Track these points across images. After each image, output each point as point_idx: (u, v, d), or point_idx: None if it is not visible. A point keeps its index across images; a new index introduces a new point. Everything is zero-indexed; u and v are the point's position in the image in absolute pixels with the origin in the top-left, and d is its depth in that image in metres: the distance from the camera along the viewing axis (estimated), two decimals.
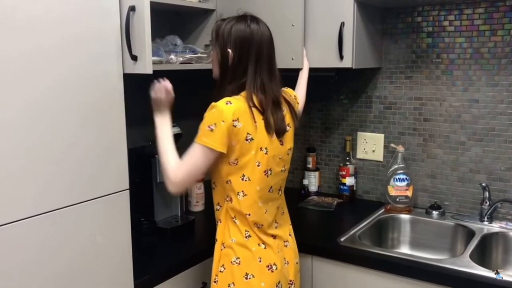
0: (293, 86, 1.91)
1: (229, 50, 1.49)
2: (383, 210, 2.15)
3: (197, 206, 2.21)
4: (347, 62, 1.93)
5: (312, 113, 2.44)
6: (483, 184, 1.98)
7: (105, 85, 1.37)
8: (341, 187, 2.32)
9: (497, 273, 1.52)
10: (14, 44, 1.14)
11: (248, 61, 1.48)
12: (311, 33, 1.98)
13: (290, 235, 1.64)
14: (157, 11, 1.61)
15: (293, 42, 1.97)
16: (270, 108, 1.48)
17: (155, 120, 1.54)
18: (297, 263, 1.65)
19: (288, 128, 1.56)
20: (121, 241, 1.46)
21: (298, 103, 1.75)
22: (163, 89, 1.53)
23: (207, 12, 2.14)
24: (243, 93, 1.48)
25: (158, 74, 1.62)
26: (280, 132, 1.52)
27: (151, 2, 1.45)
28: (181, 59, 1.89)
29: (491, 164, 2.02)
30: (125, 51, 1.43)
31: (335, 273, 1.77)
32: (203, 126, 1.42)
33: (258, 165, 1.48)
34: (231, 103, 1.42)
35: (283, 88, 1.64)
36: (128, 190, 1.47)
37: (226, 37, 1.49)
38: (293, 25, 1.96)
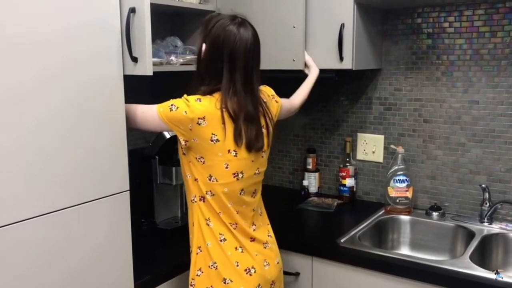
0: (294, 88, 1.92)
1: (204, 44, 1.49)
2: (383, 211, 2.15)
3: None
4: (347, 64, 1.94)
5: (312, 114, 2.44)
6: (483, 185, 1.98)
7: (106, 86, 1.37)
8: (341, 188, 2.32)
9: (497, 273, 1.52)
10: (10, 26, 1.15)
11: (223, 63, 1.44)
12: (311, 35, 1.99)
13: (269, 235, 1.61)
14: (157, 12, 1.61)
15: (294, 43, 1.97)
16: (241, 120, 1.44)
17: None
18: (278, 262, 1.61)
19: (262, 144, 1.51)
20: (122, 242, 1.46)
21: (277, 102, 1.67)
22: None
23: (207, 14, 2.14)
24: (216, 94, 1.45)
25: (158, 75, 1.62)
26: (251, 147, 1.47)
27: (151, 4, 1.45)
28: (181, 60, 1.90)
29: (491, 166, 2.02)
30: (125, 52, 1.43)
31: (335, 274, 1.77)
32: (167, 102, 1.43)
33: (227, 167, 1.46)
34: (201, 101, 1.43)
35: (260, 87, 1.57)
36: (128, 191, 1.47)
37: (207, 31, 1.48)
38: (294, 27, 1.96)
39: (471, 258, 1.66)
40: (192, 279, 1.51)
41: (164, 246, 1.82)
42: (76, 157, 1.31)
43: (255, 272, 1.50)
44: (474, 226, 1.94)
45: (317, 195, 2.42)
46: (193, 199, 1.50)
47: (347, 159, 2.31)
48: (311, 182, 2.43)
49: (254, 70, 1.48)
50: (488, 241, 1.87)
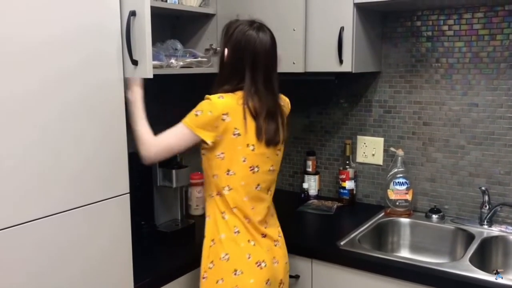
0: (293, 89, 1.91)
1: (226, 49, 1.55)
2: (382, 213, 2.16)
3: (197, 209, 2.21)
4: (347, 66, 1.94)
5: (312, 117, 2.45)
6: (483, 188, 1.98)
7: (106, 90, 1.38)
8: (341, 190, 2.32)
9: (497, 273, 1.52)
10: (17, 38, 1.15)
11: (245, 66, 1.52)
12: (311, 38, 1.99)
13: (280, 236, 1.65)
14: (157, 15, 1.62)
15: (294, 46, 1.98)
16: (263, 117, 1.51)
17: (128, 97, 1.52)
18: (286, 263, 1.66)
19: (279, 139, 1.58)
20: (122, 245, 1.46)
21: (289, 108, 1.75)
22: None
23: (208, 17, 2.15)
24: (238, 92, 1.52)
25: (158, 78, 1.62)
26: (270, 143, 1.55)
27: (151, 7, 1.45)
28: (181, 63, 1.90)
29: (491, 168, 2.02)
30: (125, 55, 1.44)
31: (335, 277, 1.77)
32: (192, 112, 1.49)
33: (244, 161, 1.52)
34: (223, 98, 1.49)
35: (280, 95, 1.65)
36: (128, 194, 1.47)
37: (228, 37, 1.56)
38: (294, 30, 1.97)
39: (470, 260, 1.66)
40: (205, 271, 1.54)
41: (164, 249, 1.82)
42: (76, 160, 1.31)
43: (265, 266, 1.54)
44: (474, 229, 1.94)
45: (317, 197, 2.42)
46: (211, 194, 1.56)
47: (347, 162, 2.31)
48: (311, 184, 2.43)
49: (273, 71, 1.57)
50: (487, 243, 1.87)
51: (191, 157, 2.33)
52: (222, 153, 1.51)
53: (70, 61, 1.27)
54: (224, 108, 1.47)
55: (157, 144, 1.51)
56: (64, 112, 1.27)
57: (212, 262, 1.53)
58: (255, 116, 1.51)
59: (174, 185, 1.89)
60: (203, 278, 1.54)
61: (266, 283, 1.54)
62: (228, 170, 1.52)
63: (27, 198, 1.21)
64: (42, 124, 1.22)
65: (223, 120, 1.47)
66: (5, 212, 1.16)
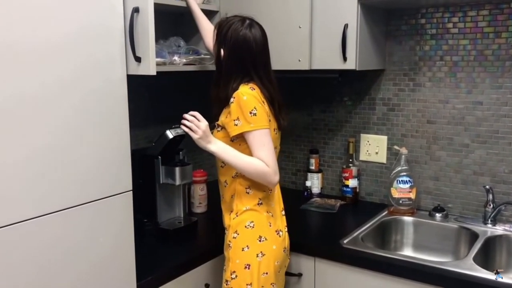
0: (297, 87, 1.92)
1: (222, 50, 1.61)
2: (386, 212, 2.15)
3: (200, 207, 2.21)
4: (351, 64, 1.93)
5: (315, 115, 2.44)
6: (487, 187, 1.97)
7: (109, 86, 1.37)
8: (344, 189, 2.32)
9: (497, 273, 1.51)
10: (16, 34, 1.15)
11: (246, 65, 1.59)
12: (315, 35, 1.98)
13: (283, 208, 1.75)
14: (160, 12, 1.61)
15: (300, 43, 1.97)
16: (276, 105, 1.64)
17: (212, 151, 1.58)
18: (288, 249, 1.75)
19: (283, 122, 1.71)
20: (124, 242, 1.46)
21: None
22: (196, 122, 1.57)
23: (211, 13, 2.14)
24: (251, 84, 1.59)
25: (161, 75, 1.62)
26: (280, 126, 1.68)
27: (154, 4, 1.45)
28: (184, 60, 1.89)
29: (495, 167, 2.01)
30: (128, 52, 1.44)
31: (338, 275, 1.77)
32: (245, 114, 1.53)
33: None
34: (254, 89, 1.57)
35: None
36: (131, 191, 1.47)
37: (222, 36, 1.61)
38: (300, 27, 1.96)
39: (474, 259, 1.65)
40: (229, 241, 1.63)
41: (166, 247, 1.82)
42: (79, 158, 1.31)
43: (282, 234, 1.66)
44: (478, 228, 1.93)
45: (320, 195, 2.42)
46: (234, 175, 1.64)
47: (350, 160, 2.31)
48: (314, 182, 2.42)
49: (268, 63, 1.66)
50: (491, 242, 1.86)
51: (193, 155, 2.33)
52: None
53: (73, 61, 1.27)
54: (259, 96, 1.57)
55: (273, 166, 1.56)
56: (68, 111, 1.26)
57: (236, 231, 1.61)
58: (271, 104, 1.62)
59: (177, 183, 1.88)
60: (229, 246, 1.62)
61: (284, 250, 1.66)
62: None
63: (30, 196, 1.20)
64: (46, 123, 1.22)
65: (262, 105, 1.57)
66: (8, 209, 1.16)
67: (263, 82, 1.61)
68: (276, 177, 1.57)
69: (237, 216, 1.63)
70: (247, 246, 1.59)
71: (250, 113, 1.53)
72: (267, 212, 1.64)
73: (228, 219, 1.67)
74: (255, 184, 1.61)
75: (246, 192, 1.63)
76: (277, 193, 1.71)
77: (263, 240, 1.59)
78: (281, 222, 1.69)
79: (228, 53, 1.60)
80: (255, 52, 1.59)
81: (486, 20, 1.97)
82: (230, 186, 1.67)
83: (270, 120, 1.60)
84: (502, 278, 1.49)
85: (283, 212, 1.72)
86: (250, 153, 1.58)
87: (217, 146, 1.59)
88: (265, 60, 1.64)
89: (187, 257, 1.74)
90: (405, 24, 2.16)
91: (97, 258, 1.38)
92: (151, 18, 1.43)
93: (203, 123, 1.57)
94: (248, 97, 1.54)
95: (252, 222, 1.61)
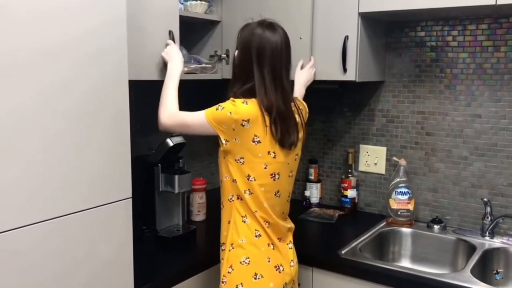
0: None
1: (237, 51, 1.57)
2: (384, 223, 2.15)
3: (199, 215, 2.21)
4: (351, 75, 1.95)
5: (315, 125, 2.45)
6: (485, 199, 1.98)
7: (110, 92, 1.38)
8: (343, 199, 2.32)
9: (497, 273, 1.50)
10: (16, 39, 1.16)
11: (251, 63, 1.50)
12: (316, 46, 2.00)
13: (291, 241, 1.66)
14: None
15: (300, 54, 1.98)
16: (273, 118, 1.48)
17: (168, 66, 1.68)
18: (296, 262, 1.66)
19: (295, 140, 1.55)
20: (123, 249, 1.46)
21: (307, 113, 1.73)
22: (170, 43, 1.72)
23: (213, 23, 2.16)
24: (255, 99, 1.50)
25: (161, 84, 1.63)
26: (283, 143, 1.51)
27: None
28: (186, 69, 1.91)
29: (493, 179, 2.02)
30: (131, 59, 1.44)
31: (336, 286, 1.76)
32: (216, 105, 1.50)
33: (265, 168, 1.51)
34: (247, 104, 1.47)
35: (294, 97, 1.66)
36: (130, 199, 1.47)
37: (238, 38, 1.57)
38: (301, 38, 1.98)
39: (472, 272, 1.65)
40: (224, 276, 1.54)
41: (165, 254, 1.82)
42: (79, 164, 1.31)
43: (283, 270, 1.55)
44: (476, 240, 1.94)
45: (318, 206, 2.42)
46: (231, 198, 1.55)
47: (349, 171, 2.31)
48: (313, 192, 2.43)
49: (283, 68, 1.53)
50: (489, 255, 1.86)
51: (193, 163, 2.33)
52: (242, 158, 1.50)
53: (74, 68, 1.27)
54: (245, 115, 1.45)
55: (176, 116, 1.57)
56: (67, 114, 1.27)
57: (231, 266, 1.53)
58: (277, 118, 1.49)
59: (176, 191, 1.88)
60: (222, 282, 1.54)
61: (284, 287, 1.55)
62: (249, 176, 1.51)
63: (29, 203, 1.21)
64: (46, 130, 1.22)
65: (243, 126, 1.46)
66: (7, 216, 1.16)
67: (265, 87, 1.48)
68: (165, 118, 1.57)
69: (232, 248, 1.53)
70: (241, 283, 1.50)
71: (218, 106, 1.48)
72: (268, 245, 1.54)
73: (225, 237, 1.58)
74: (252, 214, 1.53)
75: (243, 221, 1.53)
76: (283, 224, 1.60)
77: (258, 278, 1.50)
78: (285, 256, 1.58)
79: (239, 53, 1.56)
80: (262, 49, 1.49)
81: (485, 34, 1.99)
82: (226, 209, 1.58)
83: (259, 142, 1.47)
84: (502, 278, 1.49)
85: (291, 245, 1.62)
86: (229, 169, 1.52)
87: (172, 65, 1.68)
88: (277, 62, 1.51)
89: (186, 265, 1.74)
90: (405, 37, 2.17)
91: (96, 265, 1.38)
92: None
93: (174, 46, 1.72)
94: (232, 103, 1.47)
95: (248, 258, 1.51)
